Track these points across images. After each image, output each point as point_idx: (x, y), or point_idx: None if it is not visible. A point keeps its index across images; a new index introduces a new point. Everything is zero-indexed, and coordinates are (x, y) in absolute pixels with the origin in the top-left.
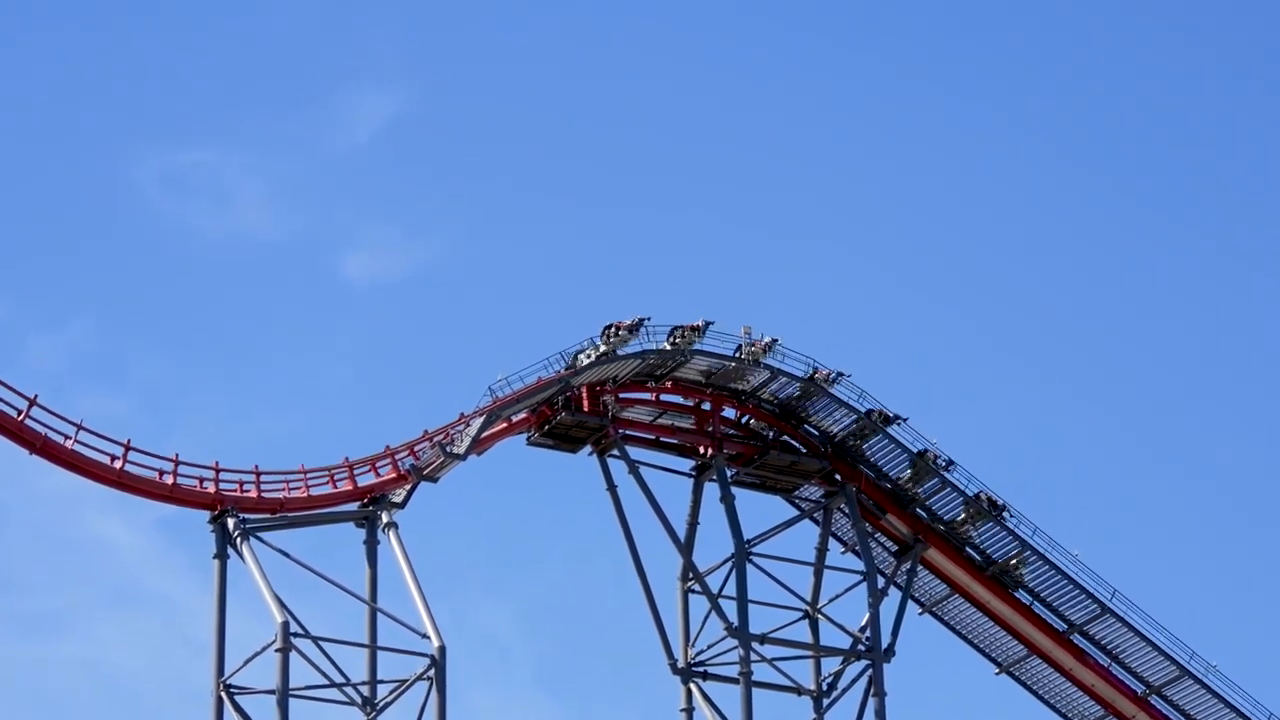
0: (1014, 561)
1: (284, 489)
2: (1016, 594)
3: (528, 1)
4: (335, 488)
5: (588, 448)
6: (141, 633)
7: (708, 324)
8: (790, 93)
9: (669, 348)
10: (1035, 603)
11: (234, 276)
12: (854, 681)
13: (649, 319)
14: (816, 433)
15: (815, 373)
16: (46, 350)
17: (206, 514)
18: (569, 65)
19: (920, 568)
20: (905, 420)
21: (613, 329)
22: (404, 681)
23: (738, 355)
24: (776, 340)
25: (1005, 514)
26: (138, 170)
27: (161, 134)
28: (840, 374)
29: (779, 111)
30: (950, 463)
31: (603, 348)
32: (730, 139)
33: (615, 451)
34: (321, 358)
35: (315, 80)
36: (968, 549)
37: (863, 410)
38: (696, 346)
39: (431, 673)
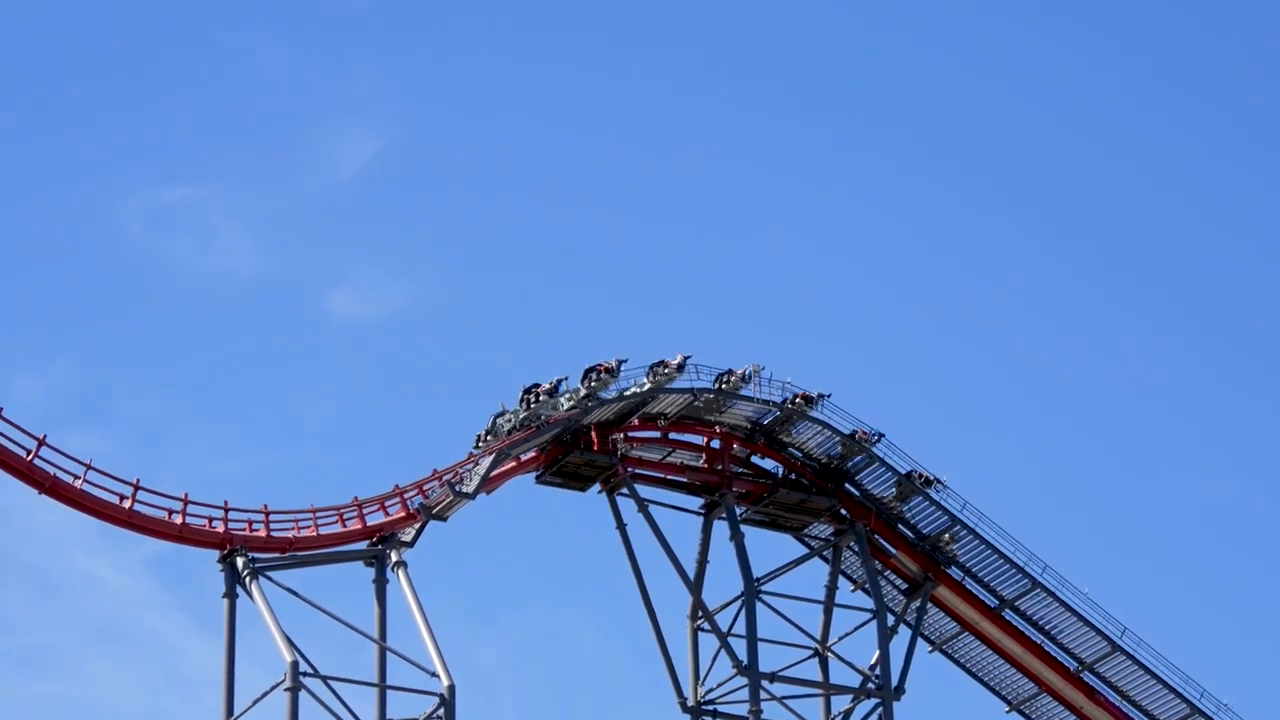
0: (945, 537)
1: (293, 528)
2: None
3: (511, 40)
4: (344, 527)
5: (597, 486)
6: (131, 671)
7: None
8: (773, 131)
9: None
10: (1046, 641)
11: (218, 314)
12: None
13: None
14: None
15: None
16: (32, 389)
17: (202, 551)
18: (552, 104)
19: (930, 605)
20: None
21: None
22: None
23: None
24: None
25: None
26: (121, 208)
27: (144, 172)
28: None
29: (762, 149)
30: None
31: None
32: (716, 177)
33: (624, 490)
34: (308, 396)
35: (298, 118)
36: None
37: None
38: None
39: (441, 712)
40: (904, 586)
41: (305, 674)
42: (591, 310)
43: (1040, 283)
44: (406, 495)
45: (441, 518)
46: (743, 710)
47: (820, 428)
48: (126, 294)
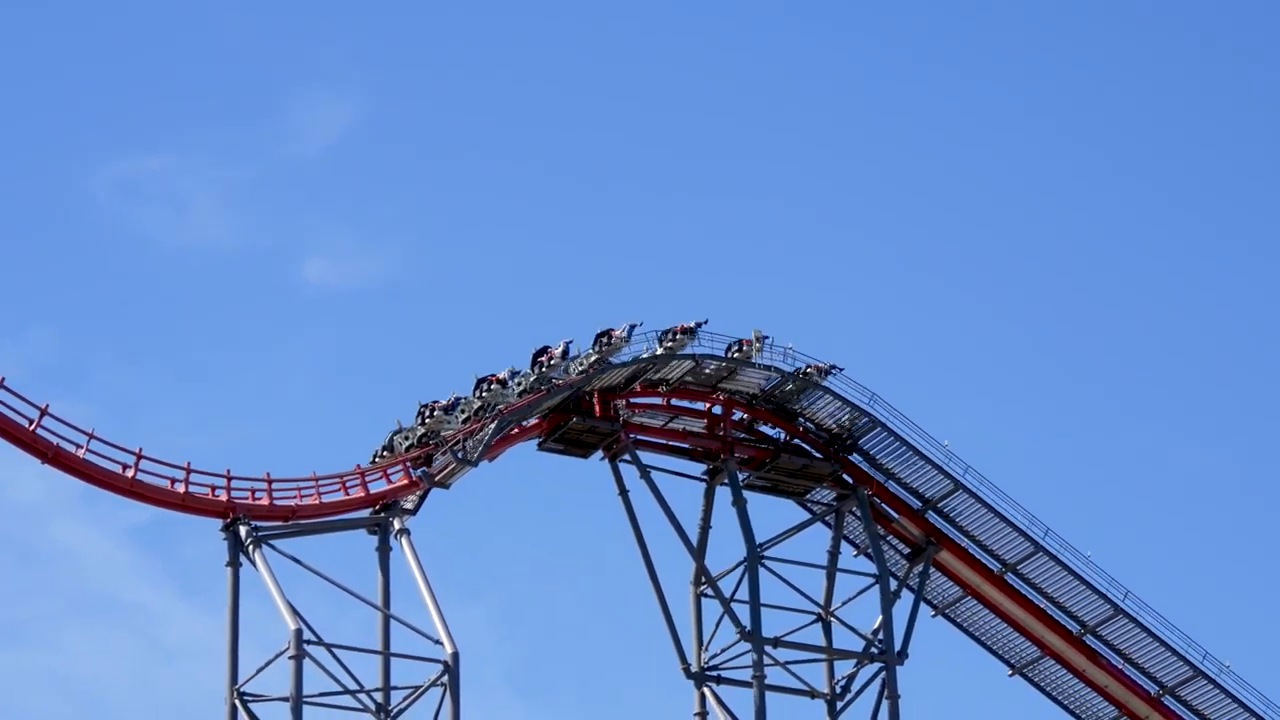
0: (848, 423)
1: (296, 496)
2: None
3: (484, 7)
4: (347, 494)
5: (599, 452)
6: (112, 642)
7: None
8: (758, 87)
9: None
10: (1048, 604)
11: (191, 285)
12: (867, 684)
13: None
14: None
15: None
16: (6, 358)
17: (187, 520)
18: (527, 70)
19: (933, 570)
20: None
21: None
22: (418, 688)
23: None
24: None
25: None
26: (93, 178)
27: (117, 142)
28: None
29: (741, 108)
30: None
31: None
32: (690, 138)
33: (627, 456)
34: (285, 367)
35: (271, 88)
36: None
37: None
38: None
39: (445, 679)
40: (906, 551)
41: (309, 642)
42: (570, 278)
43: (1039, 250)
44: (409, 463)
45: (444, 485)
46: (746, 676)
47: (831, 398)
48: (99, 265)
